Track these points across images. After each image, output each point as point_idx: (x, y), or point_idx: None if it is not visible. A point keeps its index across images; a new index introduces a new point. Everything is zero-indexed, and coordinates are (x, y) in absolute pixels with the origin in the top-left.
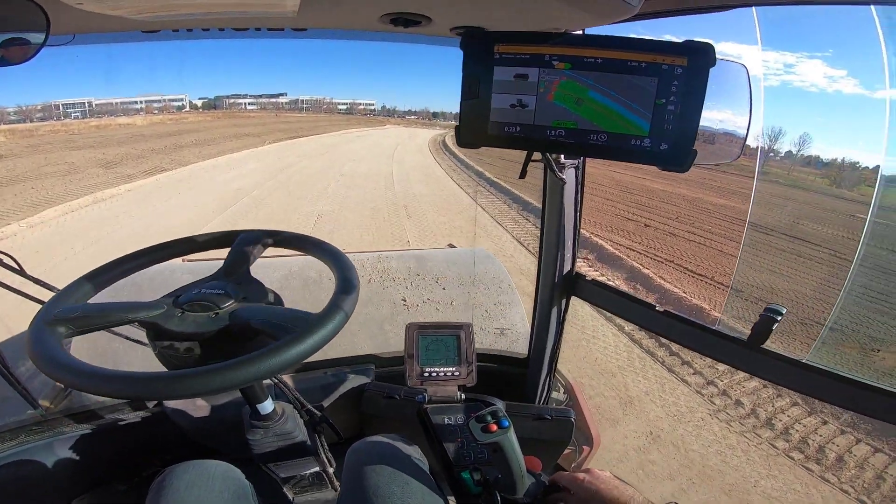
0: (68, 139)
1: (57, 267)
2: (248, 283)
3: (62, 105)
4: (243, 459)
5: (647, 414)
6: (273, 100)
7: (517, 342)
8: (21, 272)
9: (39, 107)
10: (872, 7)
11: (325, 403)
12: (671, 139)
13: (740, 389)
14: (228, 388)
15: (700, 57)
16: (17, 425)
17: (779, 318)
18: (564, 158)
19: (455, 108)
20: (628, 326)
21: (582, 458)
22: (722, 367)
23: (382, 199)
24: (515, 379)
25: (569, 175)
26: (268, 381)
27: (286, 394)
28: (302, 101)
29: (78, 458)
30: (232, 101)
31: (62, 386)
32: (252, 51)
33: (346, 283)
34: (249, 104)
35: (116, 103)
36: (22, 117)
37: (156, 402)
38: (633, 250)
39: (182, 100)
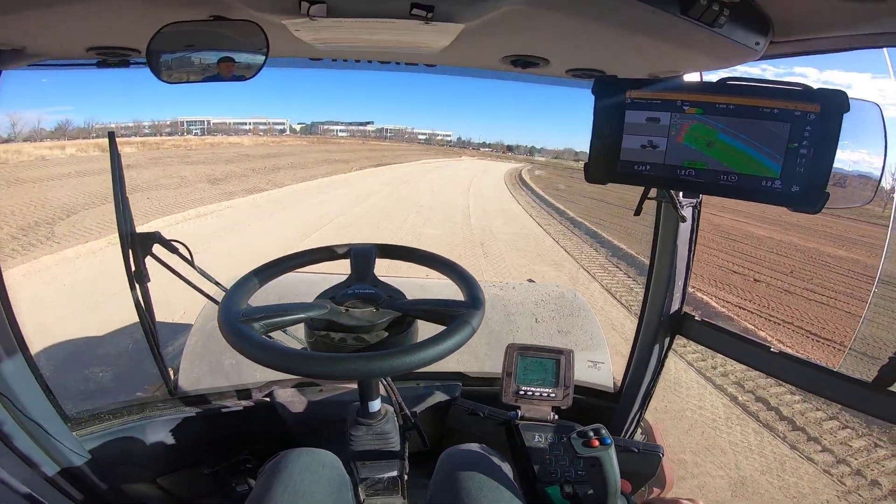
0: (185, 154)
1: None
2: (383, 284)
3: (186, 122)
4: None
5: (762, 496)
6: (361, 127)
7: (599, 376)
8: (190, 263)
9: (168, 122)
10: None
11: (417, 412)
12: (803, 181)
13: (878, 469)
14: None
15: (833, 103)
16: (115, 407)
17: None
18: (683, 197)
19: (530, 141)
20: (742, 397)
21: (652, 497)
22: (858, 443)
23: (459, 235)
24: (602, 412)
25: (686, 214)
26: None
27: (391, 396)
28: (386, 129)
29: (171, 439)
30: (326, 126)
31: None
32: (346, 81)
33: (469, 284)
34: (341, 131)
35: (230, 123)
36: (154, 131)
37: (265, 395)
38: (744, 309)
39: (284, 124)
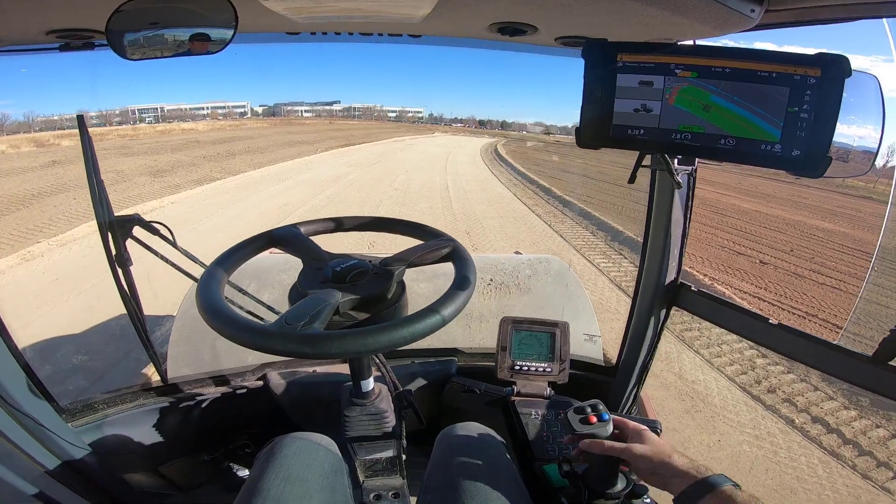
0: (125, 145)
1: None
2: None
3: (138, 110)
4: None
5: None
6: (327, 107)
7: (592, 350)
8: (173, 244)
9: (118, 111)
10: None
11: (412, 391)
12: (804, 146)
13: None
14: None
15: (835, 68)
16: (109, 396)
17: None
18: (678, 164)
19: (501, 116)
20: (815, 430)
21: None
22: None
23: (441, 222)
24: (598, 386)
25: (680, 182)
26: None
27: (383, 374)
28: (354, 108)
29: (168, 427)
30: (289, 108)
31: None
32: (310, 60)
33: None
34: (305, 111)
35: (185, 109)
36: (102, 121)
37: (259, 378)
38: (762, 299)
39: (244, 106)
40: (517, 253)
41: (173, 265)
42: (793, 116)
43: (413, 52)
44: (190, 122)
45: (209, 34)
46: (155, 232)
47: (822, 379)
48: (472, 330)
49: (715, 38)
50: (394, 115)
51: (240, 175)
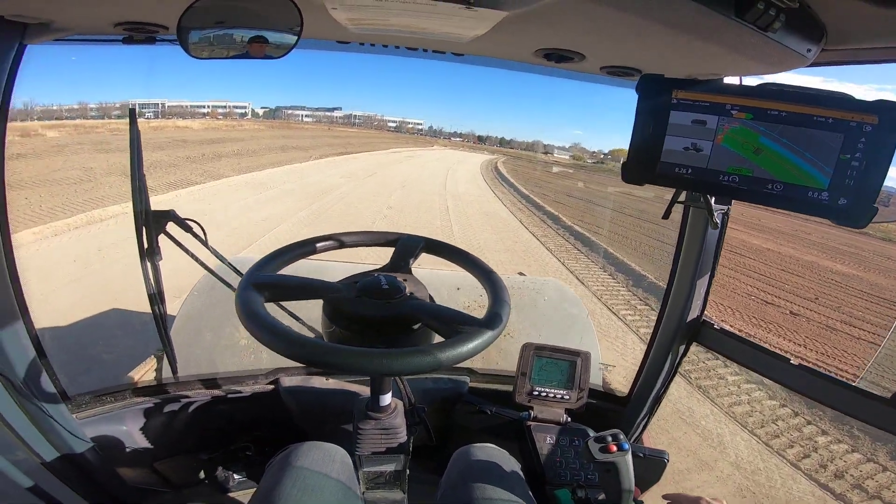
0: (104, 140)
1: None
2: (413, 281)
3: (139, 105)
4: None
5: None
6: (328, 113)
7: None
8: (204, 243)
9: (118, 105)
10: None
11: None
12: (851, 195)
13: None
14: (428, 370)
15: (893, 116)
16: (116, 389)
17: None
18: (714, 202)
19: (500, 132)
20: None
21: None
22: None
23: None
24: (609, 415)
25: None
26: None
27: (400, 390)
28: (355, 116)
29: (172, 424)
30: (290, 111)
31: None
32: (315, 64)
33: (500, 298)
34: (306, 116)
35: (187, 106)
36: (101, 114)
37: (270, 382)
38: (804, 359)
39: (245, 107)
40: (520, 274)
41: (202, 264)
42: (844, 164)
43: (417, 64)
44: (186, 120)
45: (270, 38)
46: (188, 229)
47: None
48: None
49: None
50: (394, 125)
51: (222, 180)
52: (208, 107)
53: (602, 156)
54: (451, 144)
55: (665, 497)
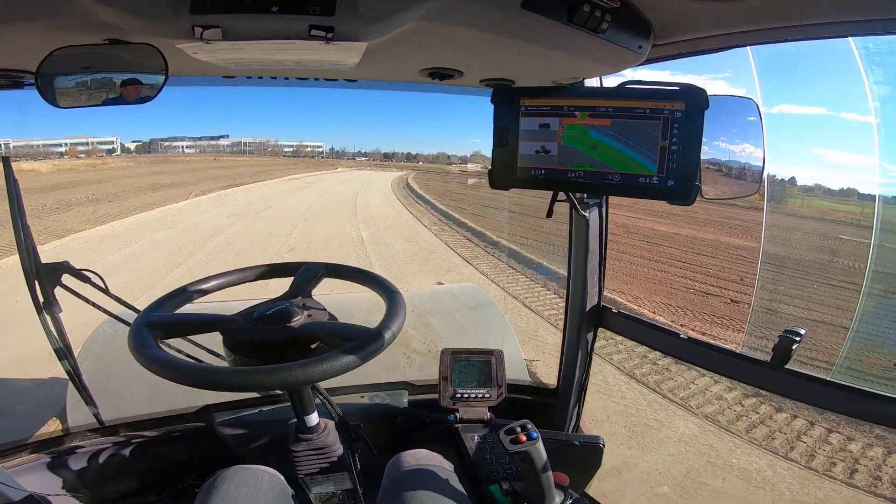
0: None
1: None
2: (312, 304)
3: None
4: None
5: None
6: (213, 142)
7: (519, 371)
8: (105, 291)
9: None
10: (850, 39)
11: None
12: (676, 176)
13: None
14: (303, 383)
15: (695, 101)
16: (49, 436)
17: (798, 338)
18: (588, 198)
19: (406, 148)
20: None
21: None
22: None
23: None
24: (541, 408)
25: (592, 214)
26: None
27: (329, 410)
28: (245, 143)
29: (108, 470)
30: (168, 143)
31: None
32: (196, 91)
33: (395, 307)
34: (187, 147)
35: (37, 145)
36: None
37: (202, 419)
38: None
39: (113, 142)
40: (439, 283)
41: (107, 312)
42: (664, 150)
43: (312, 87)
44: (34, 162)
45: (141, 80)
46: (85, 280)
47: None
48: (419, 362)
49: (617, 73)
50: (290, 150)
51: (66, 238)
52: (65, 144)
53: None
54: (356, 165)
55: None
